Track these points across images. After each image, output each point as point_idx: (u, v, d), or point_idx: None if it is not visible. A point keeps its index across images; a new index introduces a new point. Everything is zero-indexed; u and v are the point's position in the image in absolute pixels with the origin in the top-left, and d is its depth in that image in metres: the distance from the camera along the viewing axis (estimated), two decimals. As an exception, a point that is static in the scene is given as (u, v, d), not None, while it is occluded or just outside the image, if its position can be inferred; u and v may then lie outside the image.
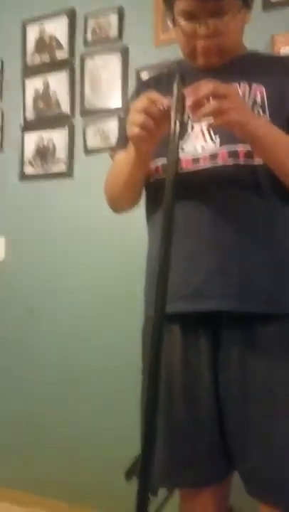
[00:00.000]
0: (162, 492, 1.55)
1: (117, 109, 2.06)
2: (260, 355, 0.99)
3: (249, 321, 0.99)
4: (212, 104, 0.88)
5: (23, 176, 2.31)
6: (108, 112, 2.11)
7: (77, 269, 2.15)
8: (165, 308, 0.85)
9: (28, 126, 2.32)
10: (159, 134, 0.94)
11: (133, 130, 0.94)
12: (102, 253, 2.08)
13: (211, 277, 0.99)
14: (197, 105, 0.90)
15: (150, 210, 1.16)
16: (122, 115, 1.00)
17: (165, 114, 0.91)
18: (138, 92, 1.16)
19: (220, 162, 1.01)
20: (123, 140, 1.13)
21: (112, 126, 2.06)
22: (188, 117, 1.02)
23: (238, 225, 1.01)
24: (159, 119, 0.92)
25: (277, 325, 1.00)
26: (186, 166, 1.04)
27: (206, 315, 1.00)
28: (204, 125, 1.03)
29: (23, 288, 2.27)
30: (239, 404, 0.99)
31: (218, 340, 1.02)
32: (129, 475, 1.50)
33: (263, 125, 0.97)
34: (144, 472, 0.79)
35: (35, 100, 2.31)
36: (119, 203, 1.22)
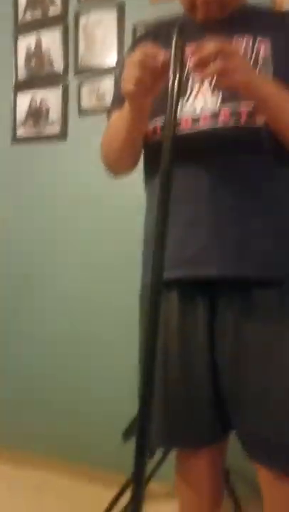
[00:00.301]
0: (159, 453, 1.60)
1: (112, 68, 1.99)
2: (258, 319, 0.98)
3: (248, 287, 0.98)
4: (217, 63, 0.84)
5: (15, 139, 2.24)
6: (103, 71, 2.04)
7: (71, 235, 2.12)
8: (162, 275, 0.83)
9: (20, 86, 2.25)
10: (156, 90, 0.90)
11: (128, 86, 0.89)
12: (98, 218, 2.06)
13: (211, 243, 0.97)
14: (201, 64, 0.85)
15: (148, 174, 1.13)
16: (118, 73, 0.95)
17: (163, 68, 0.86)
18: (135, 46, 1.10)
19: (221, 122, 0.97)
20: (119, 99, 1.08)
21: (107, 85, 2.00)
22: (189, 73, 0.97)
23: (238, 190, 0.98)
24: (156, 73, 0.87)
25: (276, 289, 0.98)
26: (186, 126, 0.99)
27: (205, 282, 0.99)
28: (206, 84, 0.98)
29: (16, 255, 2.25)
30: (235, 368, 0.99)
31: (216, 308, 1.00)
32: (127, 435, 1.53)
33: (268, 85, 0.93)
34: (142, 434, 0.79)
35: (27, 59, 2.23)
36: (116, 165, 1.17)
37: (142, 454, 0.80)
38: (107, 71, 2.02)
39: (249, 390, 0.97)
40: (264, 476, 1.00)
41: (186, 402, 1.01)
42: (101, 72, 2.04)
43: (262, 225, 0.98)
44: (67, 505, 1.85)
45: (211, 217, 0.98)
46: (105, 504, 1.61)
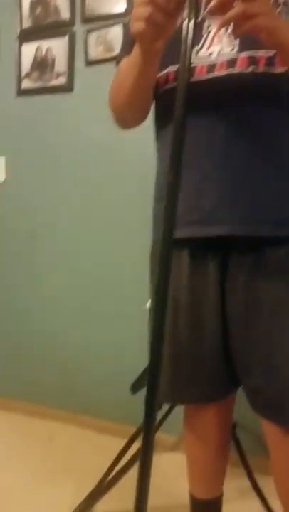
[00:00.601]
0: (165, 405, 1.63)
1: (121, 15, 1.90)
2: (269, 278, 0.96)
3: (259, 245, 0.96)
4: (239, 6, 0.78)
5: (20, 91, 2.18)
6: (112, 19, 1.94)
7: (78, 189, 2.09)
8: (173, 233, 0.81)
9: (25, 36, 2.15)
10: (168, 31, 0.83)
11: (139, 25, 0.82)
12: (105, 172, 2.02)
13: (223, 201, 0.94)
14: (221, 8, 0.79)
15: (159, 126, 1.08)
16: (129, 18, 0.87)
17: (176, 5, 0.80)
18: None
19: (238, 68, 0.92)
20: (129, 45, 1.02)
21: (116, 34, 1.91)
22: (204, 16, 0.91)
23: (253, 144, 0.94)
24: (168, 12, 0.80)
25: (287, 248, 0.96)
26: (200, 73, 0.94)
27: (216, 240, 0.97)
28: (224, 28, 0.92)
29: (24, 209, 2.23)
30: (245, 324, 0.98)
31: (227, 266, 0.99)
32: (135, 388, 1.56)
33: None
34: (152, 389, 0.79)
35: (32, 7, 2.13)
36: (125, 116, 1.12)
37: (151, 408, 0.81)
38: (115, 18, 1.92)
39: (259, 346, 0.97)
40: (271, 432, 1.01)
41: (194, 358, 1.02)
42: (109, 19, 1.95)
43: (276, 182, 0.95)
44: (78, 454, 1.91)
45: (224, 172, 0.94)
46: (114, 454, 1.66)
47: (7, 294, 2.30)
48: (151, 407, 0.80)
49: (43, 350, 2.23)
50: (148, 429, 0.80)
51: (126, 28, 1.11)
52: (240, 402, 1.13)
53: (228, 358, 1.01)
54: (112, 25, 1.93)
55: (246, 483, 1.59)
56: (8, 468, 1.81)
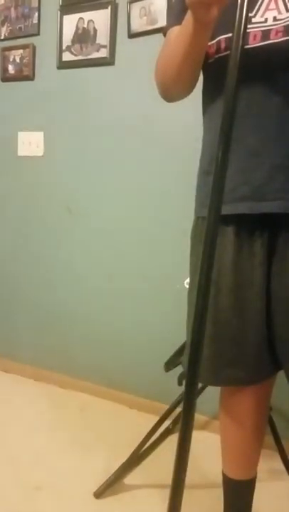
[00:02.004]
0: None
1: (165, -15, 1.83)
2: None
3: None
4: None
5: (61, 63, 2.15)
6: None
7: (117, 165, 2.07)
8: (220, 209, 0.78)
9: (66, 7, 2.12)
10: (223, 0, 0.79)
11: None
12: (145, 147, 1.98)
13: (274, 176, 0.90)
14: None
15: (208, 97, 1.04)
16: None
17: None
18: None
19: None
20: (178, 14, 0.98)
21: (160, 5, 1.85)
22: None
23: None
24: None
25: None
26: (254, 40, 0.90)
27: (264, 216, 0.93)
28: None
29: (62, 185, 2.23)
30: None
31: (275, 244, 0.95)
32: (169, 365, 1.56)
33: None
34: (194, 368, 0.78)
35: (73, -23, 2.08)
36: (172, 88, 1.07)
37: (192, 387, 0.80)
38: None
39: None
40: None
41: (236, 340, 0.99)
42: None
43: None
44: (109, 426, 1.94)
45: (277, 147, 0.90)
46: (143, 429, 1.68)
47: (43, 268, 2.32)
48: (192, 387, 0.79)
49: (77, 325, 2.25)
50: (188, 411, 0.80)
51: None
52: (276, 386, 1.12)
53: (271, 340, 0.99)
54: (156, -5, 1.87)
55: (278, 464, 1.58)
56: (40, 435, 1.86)
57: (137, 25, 1.94)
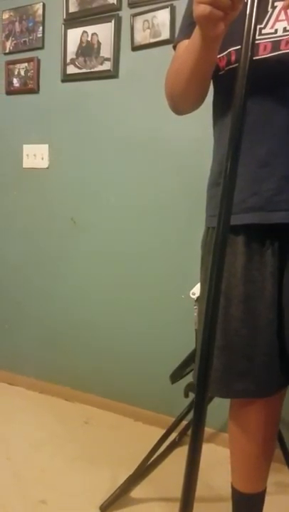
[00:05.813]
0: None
1: (169, -1, 1.85)
2: None
3: None
4: None
5: (66, 76, 2.17)
6: (159, 2, 1.89)
7: (121, 177, 2.07)
8: (230, 220, 0.78)
9: (70, 21, 2.14)
10: (233, 14, 0.80)
11: (203, 8, 0.79)
12: (149, 160, 1.99)
13: (284, 187, 0.90)
14: None
15: (218, 109, 1.05)
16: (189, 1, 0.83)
17: None
18: None
19: None
20: (188, 28, 0.99)
21: (163, 18, 1.87)
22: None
23: None
24: None
25: None
26: (265, 51, 0.90)
27: (274, 227, 0.93)
28: None
29: (67, 196, 2.23)
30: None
31: (286, 254, 0.95)
32: (174, 378, 1.55)
33: None
34: (204, 380, 0.77)
35: (77, -9, 2.10)
36: (182, 101, 1.08)
37: (202, 401, 0.78)
38: (162, 2, 1.87)
39: None
40: None
41: (247, 352, 0.98)
42: (156, 3, 1.90)
43: None
44: (114, 439, 1.92)
45: (287, 157, 0.90)
46: (149, 442, 1.66)
47: (47, 279, 2.32)
48: (202, 400, 0.78)
49: (81, 337, 2.24)
50: (198, 423, 0.78)
51: (187, 11, 1.07)
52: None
53: (282, 352, 0.98)
54: (159, 9, 1.89)
55: (286, 478, 1.56)
56: (45, 448, 1.85)
57: (141, 38, 1.96)
